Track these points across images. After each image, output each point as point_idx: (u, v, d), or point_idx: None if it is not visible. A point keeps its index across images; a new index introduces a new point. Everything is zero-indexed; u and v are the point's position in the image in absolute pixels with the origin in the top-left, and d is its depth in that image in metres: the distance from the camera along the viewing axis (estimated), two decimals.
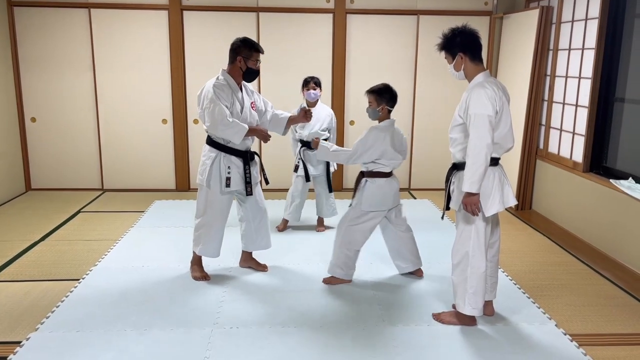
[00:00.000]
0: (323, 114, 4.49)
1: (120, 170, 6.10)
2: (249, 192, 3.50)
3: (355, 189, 3.56)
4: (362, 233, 3.53)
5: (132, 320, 3.08)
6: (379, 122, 3.49)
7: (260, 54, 3.43)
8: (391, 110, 3.50)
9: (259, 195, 3.68)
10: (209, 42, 5.88)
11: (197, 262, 3.68)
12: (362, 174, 3.53)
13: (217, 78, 3.38)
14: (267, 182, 3.69)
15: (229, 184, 3.43)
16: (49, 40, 5.80)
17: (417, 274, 3.75)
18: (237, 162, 3.45)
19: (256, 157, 3.64)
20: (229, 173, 3.43)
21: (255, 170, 3.60)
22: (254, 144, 3.70)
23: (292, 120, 3.72)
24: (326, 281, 3.62)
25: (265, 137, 3.46)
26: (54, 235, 4.56)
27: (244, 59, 3.36)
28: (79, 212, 5.27)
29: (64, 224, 4.88)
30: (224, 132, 3.30)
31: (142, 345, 2.83)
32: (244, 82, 3.48)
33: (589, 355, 2.78)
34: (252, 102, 3.51)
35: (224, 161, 3.42)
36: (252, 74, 3.43)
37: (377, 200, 3.47)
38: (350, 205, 3.59)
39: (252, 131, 3.40)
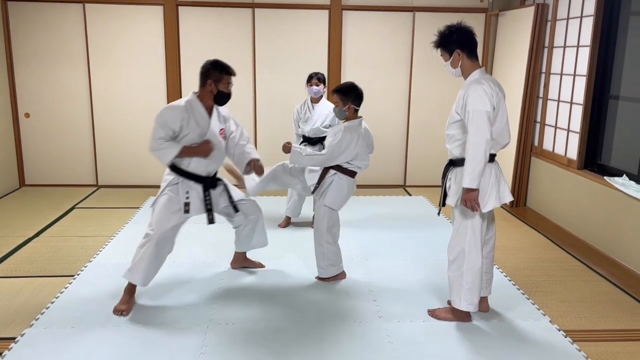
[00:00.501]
0: (326, 110, 4.47)
1: (115, 166, 6.07)
2: (210, 220, 3.30)
3: (319, 182, 3.50)
4: (337, 225, 3.57)
5: (127, 317, 3.08)
6: (347, 122, 3.47)
7: (232, 77, 3.25)
8: (358, 109, 3.49)
9: (246, 206, 3.50)
10: (205, 38, 5.86)
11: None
12: (330, 167, 3.49)
13: (182, 99, 3.23)
14: (236, 211, 3.44)
15: (188, 210, 3.23)
16: (43, 35, 5.76)
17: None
18: (196, 188, 3.27)
19: (222, 185, 3.41)
20: (187, 198, 3.23)
21: (222, 199, 3.40)
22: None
23: (251, 164, 3.45)
24: (322, 279, 3.62)
25: (207, 152, 3.22)
26: (49, 232, 4.54)
27: (215, 82, 3.19)
28: (73, 208, 5.25)
29: (58, 220, 4.86)
30: (153, 153, 3.16)
31: (138, 341, 2.82)
32: (218, 107, 3.35)
33: (583, 351, 2.79)
34: (222, 129, 3.34)
35: (182, 186, 3.23)
36: (223, 98, 3.26)
37: (340, 198, 3.50)
38: (313, 192, 3.55)
39: (189, 151, 3.18)
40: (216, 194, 3.38)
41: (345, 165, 3.46)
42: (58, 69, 5.85)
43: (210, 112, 3.28)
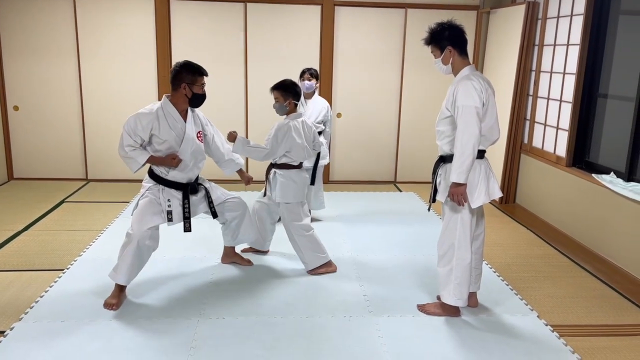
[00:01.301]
0: (318, 106, 4.46)
1: (105, 160, 6.04)
2: (187, 228, 3.26)
3: (265, 180, 3.64)
4: (304, 216, 3.63)
5: (118, 311, 3.07)
6: (286, 117, 3.56)
7: (205, 77, 3.22)
8: (297, 104, 3.59)
9: (231, 203, 3.50)
10: (196, 32, 5.84)
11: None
12: (272, 165, 3.61)
13: (153, 104, 3.19)
14: (214, 217, 3.43)
15: (171, 218, 3.21)
16: (32, 27, 5.70)
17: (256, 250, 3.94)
18: (177, 195, 3.25)
19: (204, 189, 3.40)
20: (169, 207, 3.21)
21: (202, 205, 3.39)
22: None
23: (239, 172, 3.65)
24: (313, 272, 3.64)
25: (176, 163, 3.18)
26: (37, 226, 4.51)
27: (189, 85, 3.14)
28: (62, 202, 5.21)
29: (47, 214, 4.83)
30: (123, 159, 3.18)
31: (128, 336, 2.82)
32: (194, 110, 3.32)
33: (570, 345, 2.83)
34: (199, 132, 3.31)
35: (164, 194, 3.21)
36: (199, 100, 3.22)
37: (290, 191, 3.57)
38: (265, 195, 3.69)
39: (156, 160, 3.18)
40: (197, 199, 3.37)
41: (284, 160, 3.55)
42: (48, 61, 5.80)
43: (185, 116, 3.24)
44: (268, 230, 3.84)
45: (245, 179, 3.67)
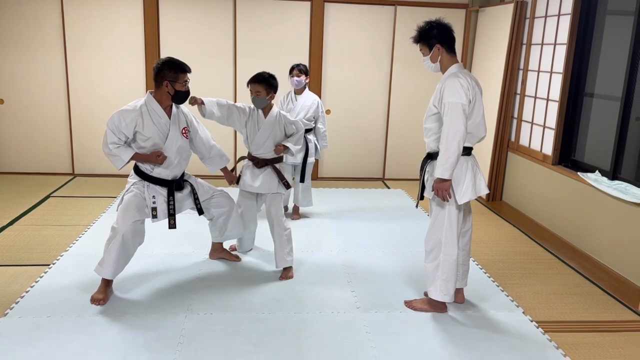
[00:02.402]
0: (308, 102, 4.43)
1: (91, 155, 5.98)
2: (171, 225, 3.25)
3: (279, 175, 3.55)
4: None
5: (104, 306, 3.06)
6: (267, 112, 3.48)
7: (188, 74, 3.18)
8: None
9: (218, 199, 3.50)
10: (185, 26, 5.80)
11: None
12: (272, 160, 3.53)
13: (136, 102, 3.15)
14: (200, 213, 3.43)
15: (156, 215, 3.20)
16: (18, 20, 5.63)
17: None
18: (162, 192, 3.24)
19: (189, 186, 3.39)
20: (154, 203, 3.20)
21: (188, 202, 3.39)
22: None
23: (224, 170, 3.61)
24: (290, 276, 3.56)
25: (161, 160, 3.18)
26: (23, 220, 4.47)
27: (171, 82, 3.11)
28: (48, 196, 5.16)
29: (33, 208, 4.78)
30: (108, 157, 3.14)
31: (115, 331, 2.81)
32: (179, 106, 3.29)
33: (554, 341, 2.87)
34: (184, 128, 3.30)
35: (149, 191, 3.20)
36: (182, 97, 3.19)
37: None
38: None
39: (141, 157, 3.16)
40: (182, 196, 3.36)
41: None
42: (34, 54, 5.73)
43: (169, 112, 3.23)
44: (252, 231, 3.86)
45: (229, 177, 3.63)
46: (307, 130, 4.43)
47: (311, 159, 4.55)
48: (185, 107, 3.39)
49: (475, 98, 2.86)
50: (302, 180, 4.55)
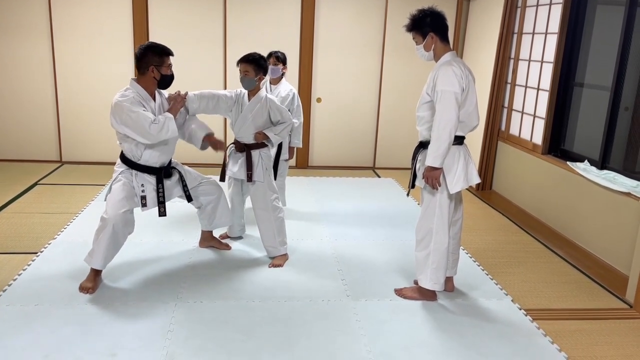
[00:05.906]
0: (284, 93, 4.11)
1: (79, 142, 5.92)
2: (161, 212, 3.24)
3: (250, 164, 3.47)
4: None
5: (93, 295, 3.04)
6: (253, 95, 3.42)
7: (171, 57, 3.15)
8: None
9: (206, 187, 3.48)
10: (174, 13, 5.73)
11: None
12: (250, 146, 3.46)
13: (126, 90, 3.10)
14: (189, 200, 3.40)
15: (145, 203, 3.18)
16: (4, 4, 5.52)
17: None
18: (151, 180, 3.21)
19: (177, 173, 3.36)
20: (143, 192, 3.18)
21: (176, 189, 3.36)
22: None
23: (207, 138, 3.43)
24: (278, 264, 3.56)
25: (181, 99, 3.22)
26: (9, 208, 4.41)
27: (156, 67, 3.08)
28: (35, 184, 5.10)
29: (19, 196, 4.73)
30: (159, 135, 3.04)
31: (104, 320, 2.79)
32: (160, 91, 3.25)
33: (542, 329, 2.90)
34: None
35: (137, 179, 3.18)
36: (167, 81, 3.17)
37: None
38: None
39: (175, 110, 3.18)
40: (171, 183, 3.33)
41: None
42: (20, 40, 5.63)
43: (154, 98, 3.20)
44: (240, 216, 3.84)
45: (215, 143, 3.44)
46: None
47: (285, 156, 4.28)
48: (166, 92, 3.33)
49: (469, 87, 2.86)
50: (274, 178, 4.38)
